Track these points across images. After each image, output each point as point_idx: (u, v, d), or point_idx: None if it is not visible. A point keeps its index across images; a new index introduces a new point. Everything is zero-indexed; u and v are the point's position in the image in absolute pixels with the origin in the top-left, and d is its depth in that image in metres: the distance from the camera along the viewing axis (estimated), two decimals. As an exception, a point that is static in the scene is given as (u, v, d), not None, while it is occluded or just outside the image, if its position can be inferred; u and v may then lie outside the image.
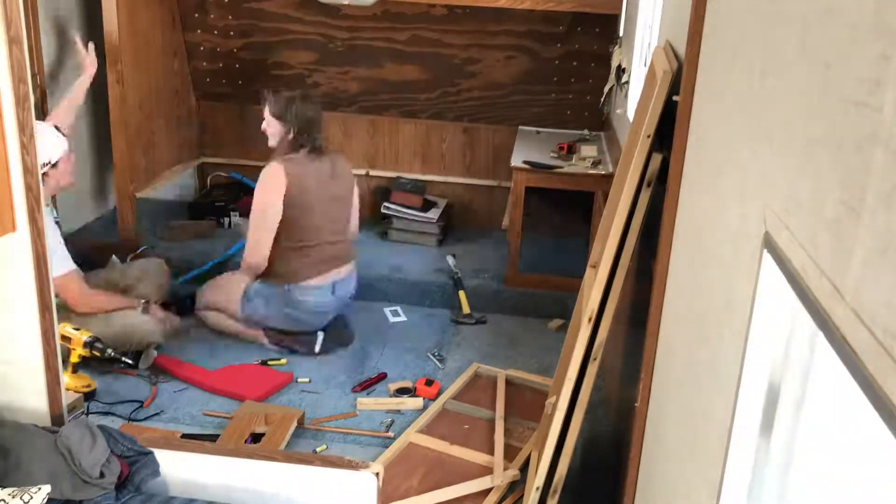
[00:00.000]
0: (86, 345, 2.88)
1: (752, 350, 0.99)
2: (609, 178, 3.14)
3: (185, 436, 2.70)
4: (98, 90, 3.59)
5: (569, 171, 3.60)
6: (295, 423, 2.77)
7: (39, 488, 1.79)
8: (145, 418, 2.85)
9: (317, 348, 3.34)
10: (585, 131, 4.18)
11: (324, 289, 3.30)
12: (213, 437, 2.68)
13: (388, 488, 2.34)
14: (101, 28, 3.58)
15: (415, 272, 3.91)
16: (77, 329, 2.90)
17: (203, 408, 2.92)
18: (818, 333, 0.74)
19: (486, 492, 2.45)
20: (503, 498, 2.46)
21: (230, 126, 4.47)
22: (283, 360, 3.26)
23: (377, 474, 2.05)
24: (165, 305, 3.40)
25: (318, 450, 2.72)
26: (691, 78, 1.60)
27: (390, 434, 2.78)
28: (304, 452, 2.63)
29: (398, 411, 2.96)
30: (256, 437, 2.70)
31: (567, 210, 4.19)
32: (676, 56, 1.92)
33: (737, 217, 1.15)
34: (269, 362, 3.25)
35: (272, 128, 3.24)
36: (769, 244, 0.92)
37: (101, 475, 1.89)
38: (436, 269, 3.94)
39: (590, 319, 2.05)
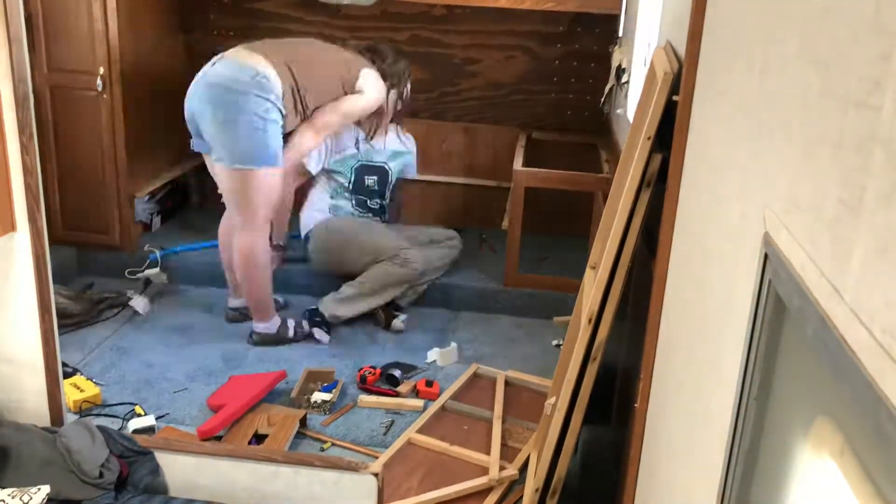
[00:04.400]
0: None
1: (752, 350, 0.99)
2: (609, 178, 3.13)
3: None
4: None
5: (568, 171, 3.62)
6: (297, 425, 2.77)
7: (39, 488, 1.79)
8: (145, 418, 2.85)
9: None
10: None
11: None
12: (216, 437, 2.69)
13: (387, 488, 2.34)
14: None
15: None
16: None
17: (203, 407, 2.92)
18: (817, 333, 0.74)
19: (486, 492, 2.45)
20: (502, 499, 2.45)
21: (230, 126, 4.46)
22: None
23: (377, 475, 2.05)
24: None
25: (324, 447, 2.72)
26: (691, 77, 1.60)
27: (378, 454, 2.71)
28: (304, 453, 2.63)
29: (398, 412, 2.96)
30: (260, 438, 2.70)
31: (567, 210, 4.19)
32: (677, 56, 1.92)
33: (736, 216, 1.15)
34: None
35: None
36: (768, 244, 0.92)
37: (101, 475, 1.89)
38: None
39: (589, 320, 2.05)
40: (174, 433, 2.70)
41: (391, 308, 3.59)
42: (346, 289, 3.53)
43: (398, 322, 3.55)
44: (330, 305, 3.51)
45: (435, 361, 3.30)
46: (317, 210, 3.69)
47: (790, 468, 0.88)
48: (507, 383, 3.08)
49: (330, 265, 3.67)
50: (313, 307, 3.54)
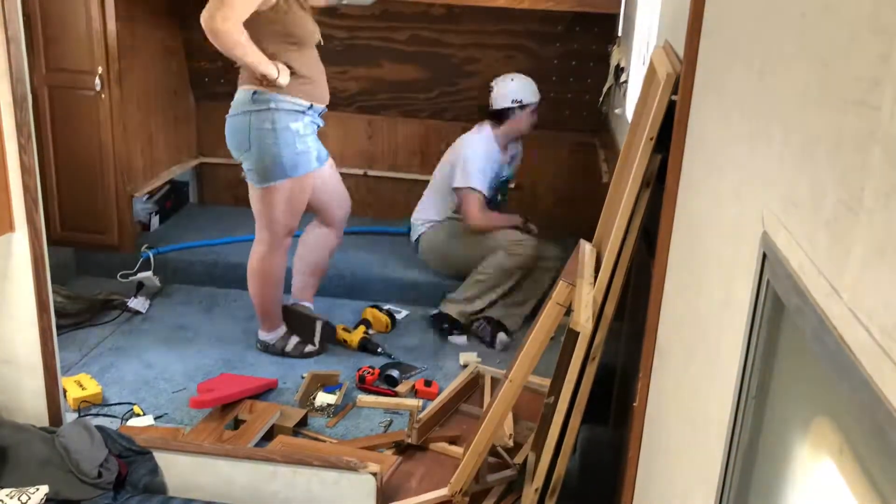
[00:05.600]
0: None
1: (750, 349, 0.99)
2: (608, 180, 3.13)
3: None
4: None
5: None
6: (278, 413, 2.79)
7: (37, 488, 1.78)
8: (144, 418, 2.85)
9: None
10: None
11: None
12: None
13: (386, 488, 2.34)
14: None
15: (401, 271, 3.91)
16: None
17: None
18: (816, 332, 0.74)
19: (486, 492, 2.45)
20: (501, 498, 2.45)
21: (229, 126, 4.47)
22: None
23: (376, 475, 2.05)
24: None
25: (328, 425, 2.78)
26: (690, 77, 1.60)
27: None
28: (303, 453, 2.63)
29: (396, 411, 2.96)
30: (238, 424, 2.76)
31: (567, 210, 4.19)
32: (676, 56, 1.92)
33: (735, 216, 1.14)
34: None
35: None
36: (767, 243, 0.92)
37: (100, 475, 1.89)
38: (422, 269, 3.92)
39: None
40: (170, 433, 2.71)
41: (497, 324, 3.56)
42: (469, 287, 3.56)
43: (503, 336, 3.52)
44: (456, 306, 3.56)
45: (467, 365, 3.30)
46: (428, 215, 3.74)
47: (789, 468, 0.88)
48: (506, 383, 3.08)
49: (441, 265, 3.77)
50: (435, 312, 3.59)
